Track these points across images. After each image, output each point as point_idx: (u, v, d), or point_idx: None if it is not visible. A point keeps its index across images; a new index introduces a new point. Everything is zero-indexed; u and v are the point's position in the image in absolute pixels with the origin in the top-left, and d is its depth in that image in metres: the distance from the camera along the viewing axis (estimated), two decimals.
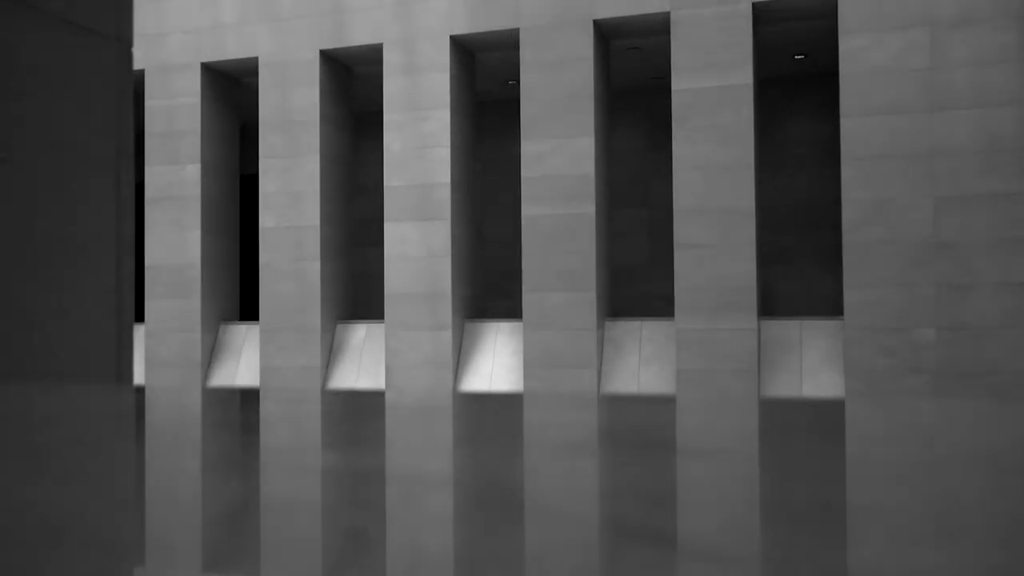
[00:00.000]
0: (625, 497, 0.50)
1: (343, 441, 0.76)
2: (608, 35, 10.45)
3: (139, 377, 11.32)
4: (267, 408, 1.07)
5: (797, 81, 12.72)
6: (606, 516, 0.44)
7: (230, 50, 11.47)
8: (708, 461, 0.58)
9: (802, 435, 0.76)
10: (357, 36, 10.95)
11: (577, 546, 0.38)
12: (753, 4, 9.55)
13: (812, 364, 9.45)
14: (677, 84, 9.74)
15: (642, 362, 9.98)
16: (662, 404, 0.96)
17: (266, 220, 11.24)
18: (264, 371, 11.18)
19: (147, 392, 1.02)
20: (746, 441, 0.73)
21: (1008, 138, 8.80)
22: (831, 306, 10.32)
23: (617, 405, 0.94)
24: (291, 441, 0.76)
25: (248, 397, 1.20)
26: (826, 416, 0.86)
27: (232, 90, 12.08)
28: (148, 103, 11.60)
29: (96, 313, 2.07)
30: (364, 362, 11.02)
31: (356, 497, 0.51)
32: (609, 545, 0.38)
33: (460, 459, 0.64)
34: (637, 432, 0.76)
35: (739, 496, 0.52)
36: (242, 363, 11.46)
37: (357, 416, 0.92)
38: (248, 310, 12.28)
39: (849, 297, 9.16)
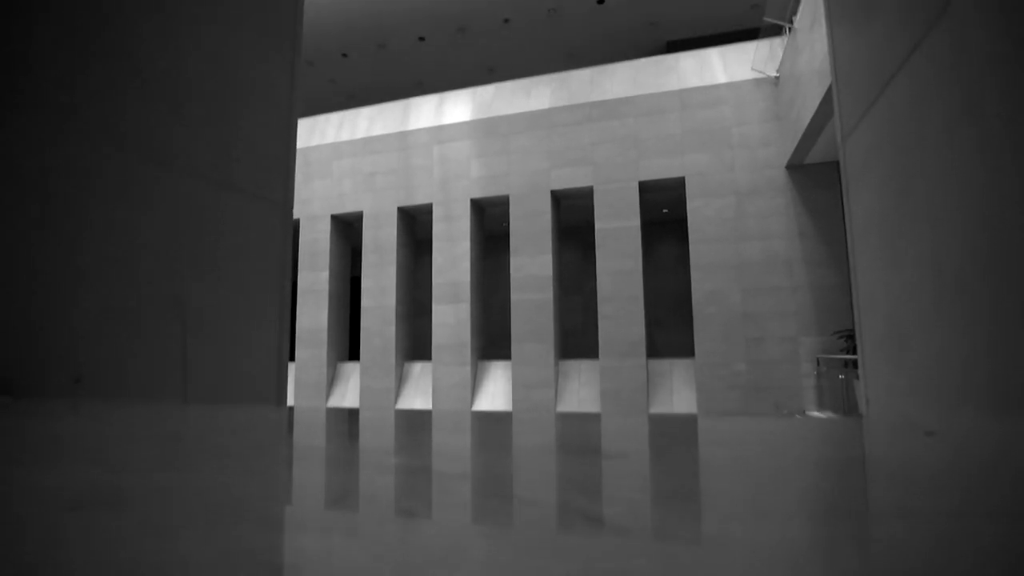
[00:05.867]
0: (570, 489, 0.49)
1: (406, 448, 0.74)
2: (559, 198, 10.65)
3: (292, 395, 11.12)
4: (364, 419, 1.05)
5: (664, 224, 12.93)
6: (560, 503, 0.43)
7: (347, 207, 11.63)
8: (618, 462, 0.57)
9: (675, 442, 0.75)
10: (418, 199, 11.14)
11: (539, 525, 0.36)
12: (639, 182, 9.78)
13: (678, 385, 9.37)
14: (598, 225, 9.89)
15: (580, 385, 9.87)
16: (592, 420, 0.94)
17: (365, 302, 11.23)
18: (362, 390, 11.01)
19: (295, 410, 1.00)
20: (641, 445, 0.72)
21: (779, 256, 8.94)
22: (688, 351, 10.30)
23: (566, 422, 0.92)
24: (375, 444, 0.75)
25: (353, 415, 1.17)
26: (687, 427, 0.85)
27: (348, 229, 12.21)
28: (301, 237, 11.70)
29: (265, 360, 2.05)
30: (420, 385, 10.87)
31: (410, 486, 0.50)
32: (563, 525, 0.37)
33: (473, 462, 0.63)
34: (577, 440, 0.74)
35: (639, 487, 0.50)
36: (350, 386, 11.30)
37: (414, 429, 0.90)
38: (354, 354, 12.17)
39: (697, 346, 9.14)
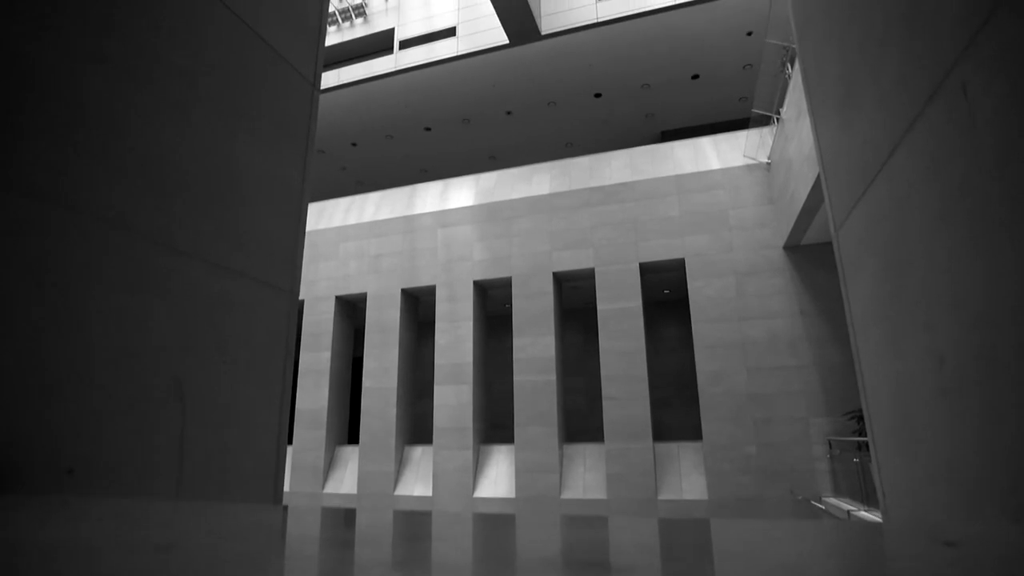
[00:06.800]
0: None
1: (404, 562, 0.71)
2: (561, 279, 10.79)
3: (288, 480, 10.76)
4: (361, 523, 1.01)
5: (666, 304, 13.02)
6: None
7: (352, 288, 11.77)
8: None
9: (686, 553, 0.72)
10: (422, 280, 11.28)
11: None
12: (639, 264, 9.93)
13: (687, 470, 9.06)
14: (600, 306, 9.95)
15: (586, 470, 9.55)
16: (598, 524, 0.90)
17: (367, 383, 11.11)
18: (360, 475, 10.65)
19: (289, 510, 0.95)
20: (651, 558, 0.69)
21: (782, 335, 8.91)
22: (695, 433, 10.05)
23: (572, 526, 0.89)
24: (371, 556, 0.72)
25: (350, 516, 1.13)
26: (699, 532, 0.81)
27: (352, 310, 12.30)
28: (305, 318, 11.77)
29: (264, 453, 2.01)
30: (420, 470, 10.52)
31: None
32: None
33: None
34: (583, 550, 0.71)
35: None
36: (348, 471, 10.95)
37: (413, 537, 0.87)
38: (353, 437, 11.89)
39: (705, 428, 8.93)
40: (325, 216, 12.48)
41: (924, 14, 1.31)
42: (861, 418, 7.68)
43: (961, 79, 1.20)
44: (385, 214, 12.00)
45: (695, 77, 13.08)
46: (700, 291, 9.42)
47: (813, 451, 8.43)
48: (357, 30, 13.99)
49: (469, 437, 10.10)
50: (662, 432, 10.73)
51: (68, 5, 1.47)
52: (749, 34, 11.58)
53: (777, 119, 9.13)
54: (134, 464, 1.63)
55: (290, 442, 11.33)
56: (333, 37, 14.00)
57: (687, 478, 8.95)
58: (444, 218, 11.43)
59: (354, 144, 16.02)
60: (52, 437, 1.44)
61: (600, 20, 11.49)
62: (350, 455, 11.08)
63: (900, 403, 1.51)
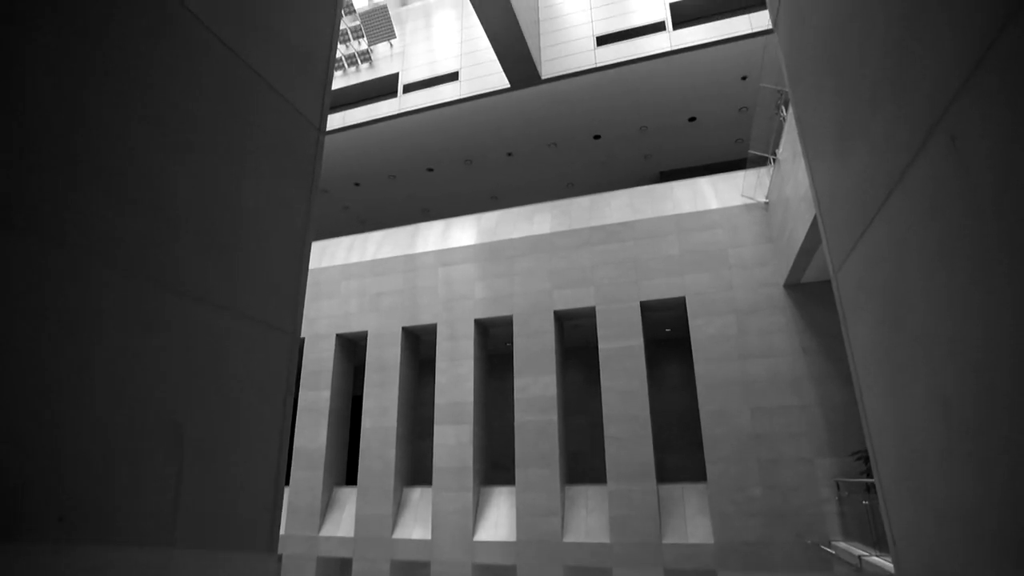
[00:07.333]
0: None
1: None
2: (562, 318, 10.76)
3: (283, 522, 10.50)
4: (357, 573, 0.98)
5: (667, 343, 12.95)
6: None
7: (352, 327, 11.74)
8: None
9: None
10: (423, 319, 11.26)
11: None
12: (640, 302, 9.93)
13: (691, 512, 8.84)
14: (601, 345, 9.89)
15: (588, 512, 9.32)
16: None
17: (366, 423, 10.97)
18: (358, 518, 10.40)
19: (283, 559, 0.91)
20: None
21: (784, 374, 8.83)
22: (700, 474, 9.84)
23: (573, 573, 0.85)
24: None
25: (345, 567, 1.09)
26: None
27: (352, 348, 12.24)
28: (305, 356, 11.70)
29: (261, 498, 1.96)
30: (419, 513, 10.27)
31: None
32: None
33: None
34: None
35: None
36: (345, 513, 10.69)
37: None
38: (351, 477, 11.65)
39: (709, 469, 8.76)
40: (327, 254, 12.55)
41: (916, 58, 1.34)
42: (868, 458, 7.54)
43: (950, 130, 1.22)
44: (387, 253, 12.08)
45: (692, 119, 13.36)
46: (701, 329, 9.39)
47: (820, 493, 8.24)
48: (362, 74, 14.37)
49: (469, 478, 9.90)
50: (665, 473, 10.52)
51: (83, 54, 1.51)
52: (744, 78, 11.89)
53: (774, 160, 9.28)
54: (128, 514, 1.59)
55: (287, 483, 11.11)
56: (339, 81, 14.38)
57: (692, 521, 8.72)
58: (445, 257, 11.49)
59: (357, 184, 16.25)
60: (39, 479, 1.41)
61: (599, 65, 11.81)
62: (347, 497, 10.84)
63: (905, 444, 1.49)
